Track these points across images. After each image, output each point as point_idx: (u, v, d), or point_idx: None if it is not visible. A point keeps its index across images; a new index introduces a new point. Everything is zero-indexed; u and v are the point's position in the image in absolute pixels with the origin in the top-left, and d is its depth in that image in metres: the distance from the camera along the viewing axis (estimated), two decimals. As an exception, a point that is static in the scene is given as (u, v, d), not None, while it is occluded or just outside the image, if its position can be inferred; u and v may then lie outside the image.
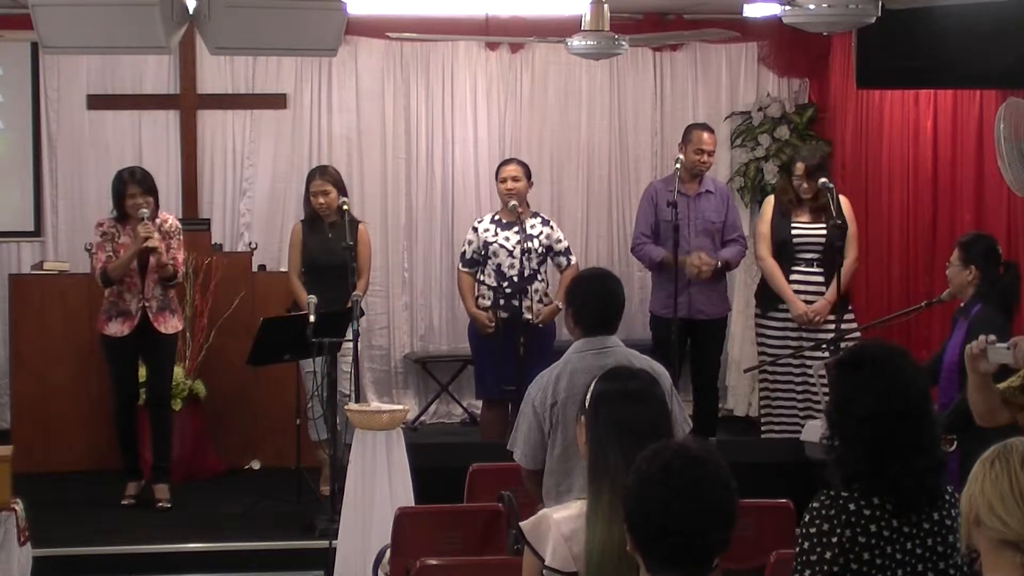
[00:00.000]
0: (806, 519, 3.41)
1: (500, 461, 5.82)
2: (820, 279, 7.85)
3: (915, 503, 3.41)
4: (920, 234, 8.58)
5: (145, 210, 7.49)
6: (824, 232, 7.78)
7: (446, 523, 5.29)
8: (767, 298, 8.07)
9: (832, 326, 7.70)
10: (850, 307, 8.07)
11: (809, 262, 7.90)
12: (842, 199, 7.93)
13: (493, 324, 7.99)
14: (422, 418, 9.81)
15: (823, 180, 7.69)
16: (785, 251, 7.91)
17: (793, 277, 7.89)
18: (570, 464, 4.60)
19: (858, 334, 7.85)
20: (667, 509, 2.59)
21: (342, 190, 7.88)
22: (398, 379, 10.00)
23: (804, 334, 7.89)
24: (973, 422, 5.97)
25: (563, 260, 8.14)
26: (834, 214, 7.62)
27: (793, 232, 7.89)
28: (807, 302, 7.85)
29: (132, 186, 7.55)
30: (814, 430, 6.78)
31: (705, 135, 8.19)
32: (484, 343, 8.10)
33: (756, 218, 10.03)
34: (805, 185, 7.80)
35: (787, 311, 7.92)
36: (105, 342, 7.73)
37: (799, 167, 7.84)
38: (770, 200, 8.13)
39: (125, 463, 7.86)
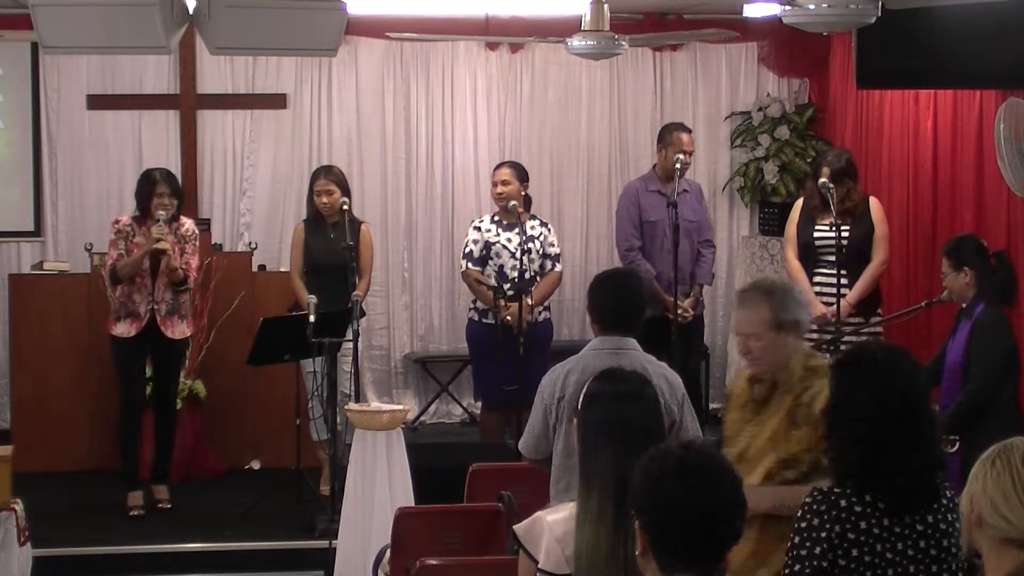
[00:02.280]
0: (799, 514, 3.43)
1: (500, 461, 5.83)
2: (844, 281, 7.84)
3: (909, 502, 3.41)
4: (920, 234, 8.58)
5: (162, 212, 7.51)
6: (847, 235, 7.78)
7: (446, 523, 5.30)
8: None
9: (851, 327, 7.70)
10: (879, 310, 8.04)
11: (833, 264, 7.88)
12: (872, 201, 7.94)
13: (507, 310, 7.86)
14: (422, 418, 9.80)
15: (822, 180, 7.68)
16: (809, 254, 7.91)
17: (816, 279, 7.88)
18: (572, 461, 4.59)
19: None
20: (688, 503, 2.59)
21: (345, 190, 7.87)
22: (398, 379, 9.99)
23: (825, 336, 7.87)
24: (975, 422, 5.99)
25: (548, 264, 8.11)
26: (833, 214, 7.62)
27: (816, 235, 7.88)
28: (830, 304, 7.84)
29: (162, 185, 7.60)
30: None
31: (685, 136, 8.20)
32: (482, 346, 8.07)
33: (754, 218, 10.09)
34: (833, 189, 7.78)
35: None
36: (113, 343, 7.71)
37: (824, 171, 7.81)
38: (798, 204, 8.10)
39: (125, 468, 7.79)
